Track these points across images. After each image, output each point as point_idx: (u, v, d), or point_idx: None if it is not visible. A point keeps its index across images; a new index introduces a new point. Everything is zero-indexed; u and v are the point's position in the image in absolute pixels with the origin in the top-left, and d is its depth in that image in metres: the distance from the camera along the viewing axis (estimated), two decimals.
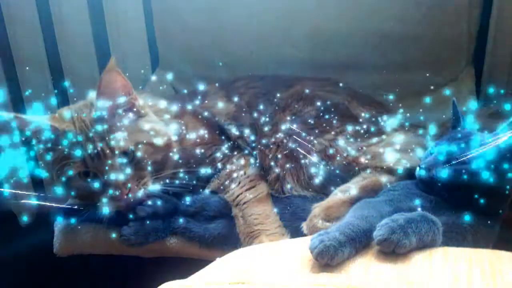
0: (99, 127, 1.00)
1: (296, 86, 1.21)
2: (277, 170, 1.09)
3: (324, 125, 1.10)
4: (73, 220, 1.10)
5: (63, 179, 1.03)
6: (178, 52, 1.52)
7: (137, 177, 1.02)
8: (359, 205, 0.88)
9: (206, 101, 1.22)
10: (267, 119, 1.16)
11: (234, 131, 1.17)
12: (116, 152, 0.99)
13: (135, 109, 1.04)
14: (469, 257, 0.70)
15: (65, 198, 1.19)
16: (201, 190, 1.13)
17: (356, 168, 1.03)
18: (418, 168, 0.91)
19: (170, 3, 1.47)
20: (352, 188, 0.99)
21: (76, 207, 1.13)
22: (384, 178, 0.99)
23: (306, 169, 1.06)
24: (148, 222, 1.04)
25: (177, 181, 1.06)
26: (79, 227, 1.11)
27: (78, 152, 0.99)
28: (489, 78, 1.40)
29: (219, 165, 1.12)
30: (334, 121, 1.11)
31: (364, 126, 1.10)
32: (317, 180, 1.06)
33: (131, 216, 1.04)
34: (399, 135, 1.08)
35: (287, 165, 1.08)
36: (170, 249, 1.07)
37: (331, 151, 1.06)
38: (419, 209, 0.83)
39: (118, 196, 0.99)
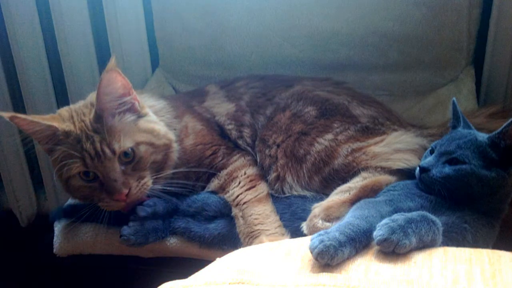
0: (99, 127, 1.00)
1: (296, 86, 1.21)
2: (277, 170, 1.09)
3: (324, 125, 1.10)
4: (73, 220, 1.10)
5: (63, 179, 1.03)
6: (178, 52, 1.52)
7: (137, 177, 1.02)
8: (359, 205, 0.88)
9: (206, 101, 1.22)
10: (267, 119, 1.16)
11: (234, 131, 1.17)
12: (116, 152, 0.99)
13: (135, 109, 1.04)
14: (469, 257, 0.70)
15: (65, 198, 1.19)
16: (201, 190, 1.13)
17: (356, 168, 1.03)
18: (418, 168, 0.91)
19: (170, 3, 1.47)
20: (352, 188, 0.99)
21: (76, 207, 1.13)
22: (384, 178, 0.99)
23: (306, 169, 1.06)
24: (148, 222, 1.04)
25: (177, 181, 1.06)
26: (79, 227, 1.11)
27: (78, 152, 0.99)
28: (489, 78, 1.40)
29: (219, 165, 1.12)
30: (334, 121, 1.11)
31: (364, 126, 1.10)
32: (317, 180, 1.06)
33: (131, 216, 1.04)
34: (399, 135, 1.07)
35: (287, 165, 1.08)
36: (170, 249, 1.07)
37: (331, 151, 1.06)
38: (419, 209, 0.83)
39: (118, 196, 0.99)
